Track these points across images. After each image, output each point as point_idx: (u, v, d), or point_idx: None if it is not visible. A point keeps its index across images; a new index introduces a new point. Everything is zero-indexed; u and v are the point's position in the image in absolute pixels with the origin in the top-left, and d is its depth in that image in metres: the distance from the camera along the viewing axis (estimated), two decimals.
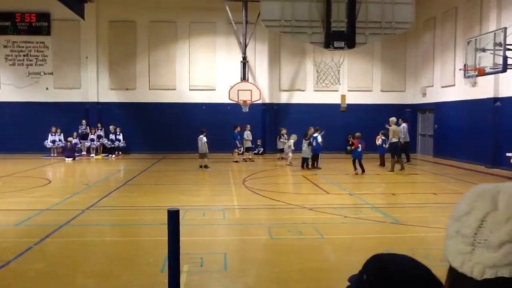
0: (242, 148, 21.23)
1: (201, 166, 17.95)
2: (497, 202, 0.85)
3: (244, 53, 23.45)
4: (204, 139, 18.06)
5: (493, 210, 0.84)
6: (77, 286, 5.71)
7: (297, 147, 18.75)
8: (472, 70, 16.02)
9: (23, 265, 6.23)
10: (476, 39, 16.24)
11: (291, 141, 19.17)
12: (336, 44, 9.18)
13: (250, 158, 21.08)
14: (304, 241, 7.60)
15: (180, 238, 3.86)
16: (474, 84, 18.65)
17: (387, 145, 17.69)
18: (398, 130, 17.84)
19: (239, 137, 20.78)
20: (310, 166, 17.76)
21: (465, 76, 16.67)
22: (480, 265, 0.82)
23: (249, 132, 21.26)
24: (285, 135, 20.89)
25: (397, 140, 17.52)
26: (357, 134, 17.16)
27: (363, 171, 16.12)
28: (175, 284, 3.75)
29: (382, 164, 18.23)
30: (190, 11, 23.93)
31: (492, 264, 0.81)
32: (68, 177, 17.09)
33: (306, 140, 17.77)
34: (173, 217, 3.48)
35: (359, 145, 16.40)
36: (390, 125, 18.17)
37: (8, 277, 5.84)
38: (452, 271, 0.89)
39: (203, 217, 9.22)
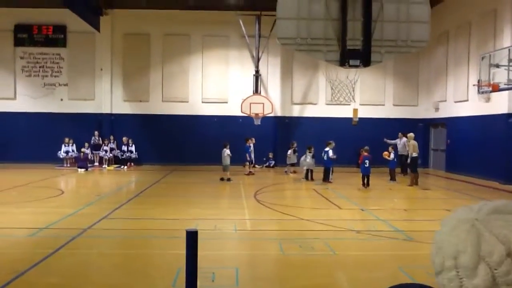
0: (250, 161, 21.02)
1: (221, 179, 17.97)
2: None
3: (257, 66, 23.58)
4: (227, 151, 18.18)
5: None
6: None
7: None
8: (486, 85, 15.91)
9: (36, 277, 6.28)
10: (490, 55, 16.15)
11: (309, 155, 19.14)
12: (351, 62, 9.22)
13: (250, 172, 20.69)
14: (315, 257, 7.56)
15: None
16: (488, 100, 18.52)
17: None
18: (417, 145, 17.68)
19: (249, 150, 20.76)
20: (313, 178, 18.11)
21: (479, 92, 16.56)
22: None
23: (250, 145, 20.91)
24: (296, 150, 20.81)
25: (417, 155, 17.39)
26: (365, 147, 17.10)
27: (367, 185, 16.22)
28: None
29: (393, 178, 18.14)
30: (203, 24, 24.16)
31: None
32: (81, 188, 17.22)
33: (310, 152, 18.23)
34: (192, 238, 3.49)
35: (366, 160, 16.33)
36: (408, 140, 18.13)
37: None
38: None
39: (215, 231, 9.21)
